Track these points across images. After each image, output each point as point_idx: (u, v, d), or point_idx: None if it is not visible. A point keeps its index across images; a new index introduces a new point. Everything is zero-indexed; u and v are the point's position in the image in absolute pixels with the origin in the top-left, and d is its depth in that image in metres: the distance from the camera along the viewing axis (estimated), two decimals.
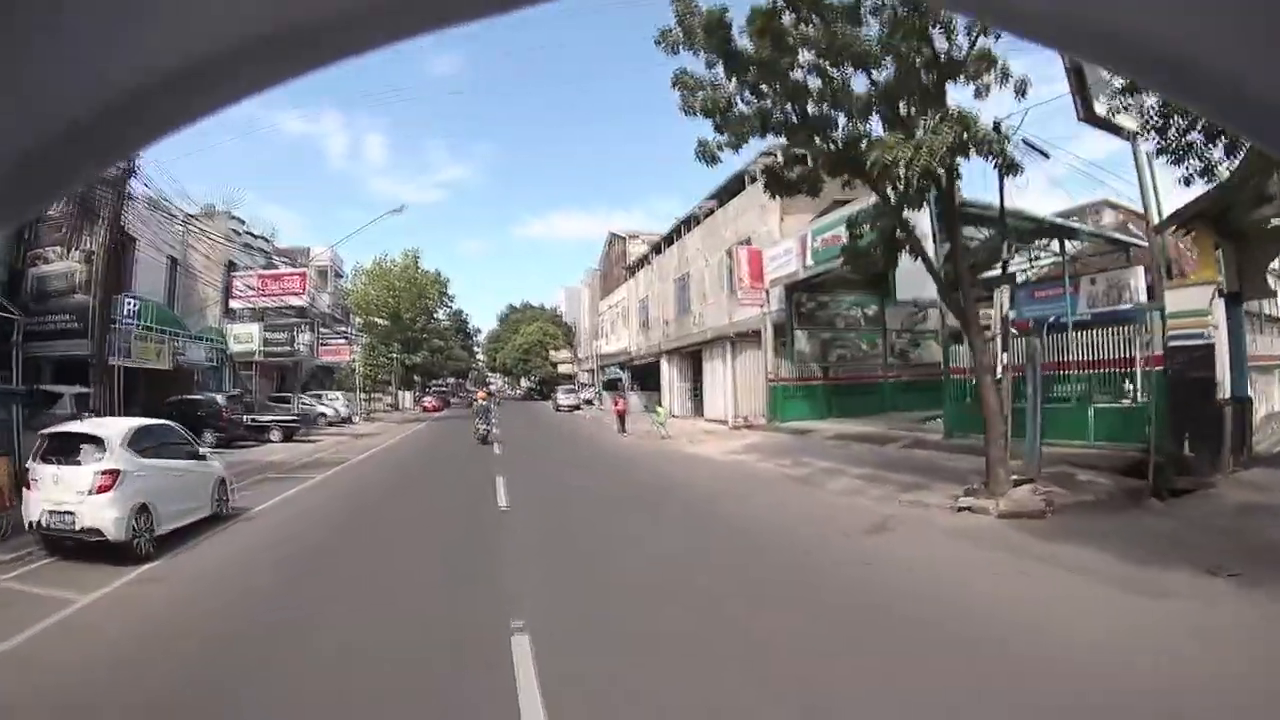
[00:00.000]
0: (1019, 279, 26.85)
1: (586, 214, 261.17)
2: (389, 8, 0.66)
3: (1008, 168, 15.38)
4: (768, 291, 34.08)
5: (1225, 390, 17.55)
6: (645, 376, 59.55)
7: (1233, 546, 11.24)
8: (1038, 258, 28.37)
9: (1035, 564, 11.04)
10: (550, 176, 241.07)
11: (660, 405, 40.37)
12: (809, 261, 30.64)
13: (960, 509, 14.74)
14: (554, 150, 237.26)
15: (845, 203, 27.38)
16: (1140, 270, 21.69)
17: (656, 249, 58.69)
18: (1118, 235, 28.29)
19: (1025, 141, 15.87)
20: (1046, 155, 17.41)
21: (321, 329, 51.59)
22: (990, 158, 14.84)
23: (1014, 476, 15.44)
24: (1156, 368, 18.33)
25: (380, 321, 61.94)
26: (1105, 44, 0.69)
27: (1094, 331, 20.76)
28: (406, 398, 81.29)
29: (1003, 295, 18.46)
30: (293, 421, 37.97)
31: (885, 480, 18.31)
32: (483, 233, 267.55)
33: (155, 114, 0.69)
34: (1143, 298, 20.73)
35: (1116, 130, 18.72)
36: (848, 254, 19.53)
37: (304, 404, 44.56)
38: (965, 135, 13.89)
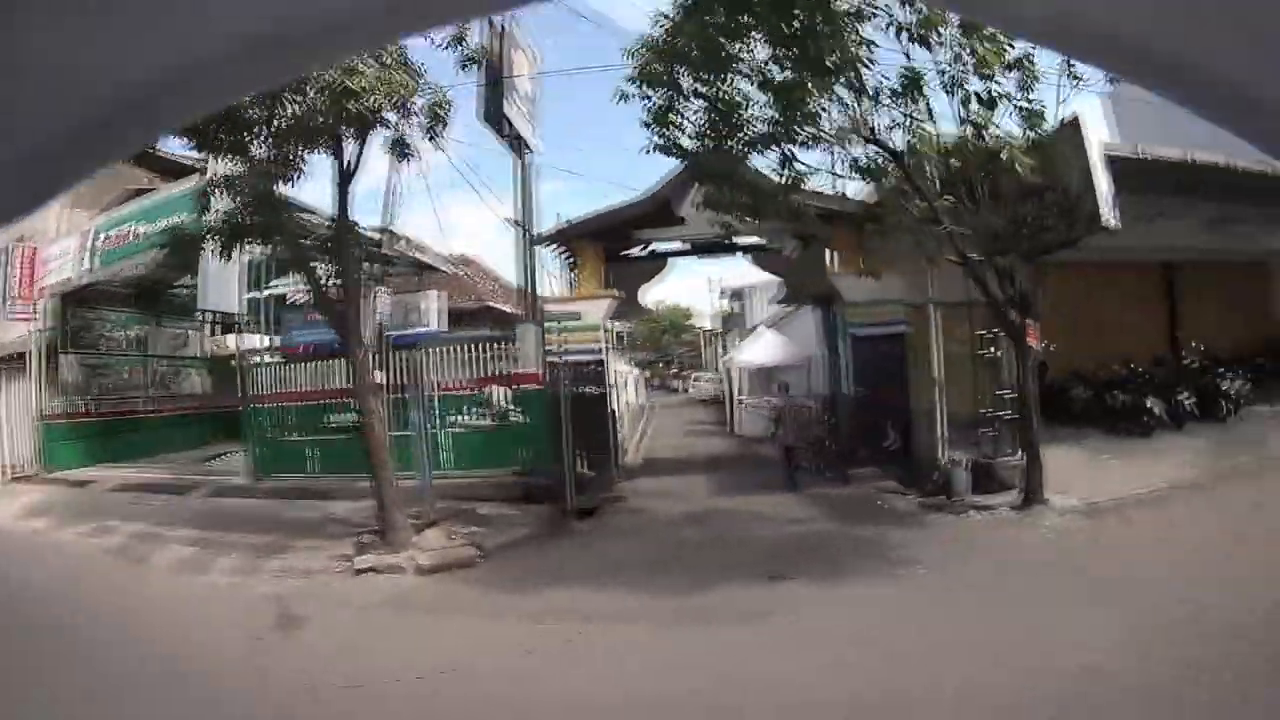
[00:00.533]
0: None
1: None
2: (379, 10, 0.66)
3: (400, 151, 13.36)
4: (38, 305, 26.80)
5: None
6: None
7: (705, 554, 11.83)
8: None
9: (501, 622, 9.65)
10: None
11: None
12: (88, 264, 25.14)
13: (360, 570, 11.89)
14: None
15: (144, 192, 24.02)
16: (434, 294, 22.36)
17: None
18: (434, 260, 27.19)
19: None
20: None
21: None
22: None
23: (410, 521, 13.25)
24: (534, 385, 17.52)
25: None
26: (1107, 47, 0.71)
27: (437, 352, 19.08)
28: None
29: (379, 302, 16.16)
30: None
31: (226, 545, 14.27)
32: None
33: (156, 112, 0.70)
34: (434, 321, 21.27)
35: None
36: (191, 239, 15.54)
37: None
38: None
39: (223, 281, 19.79)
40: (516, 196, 19.33)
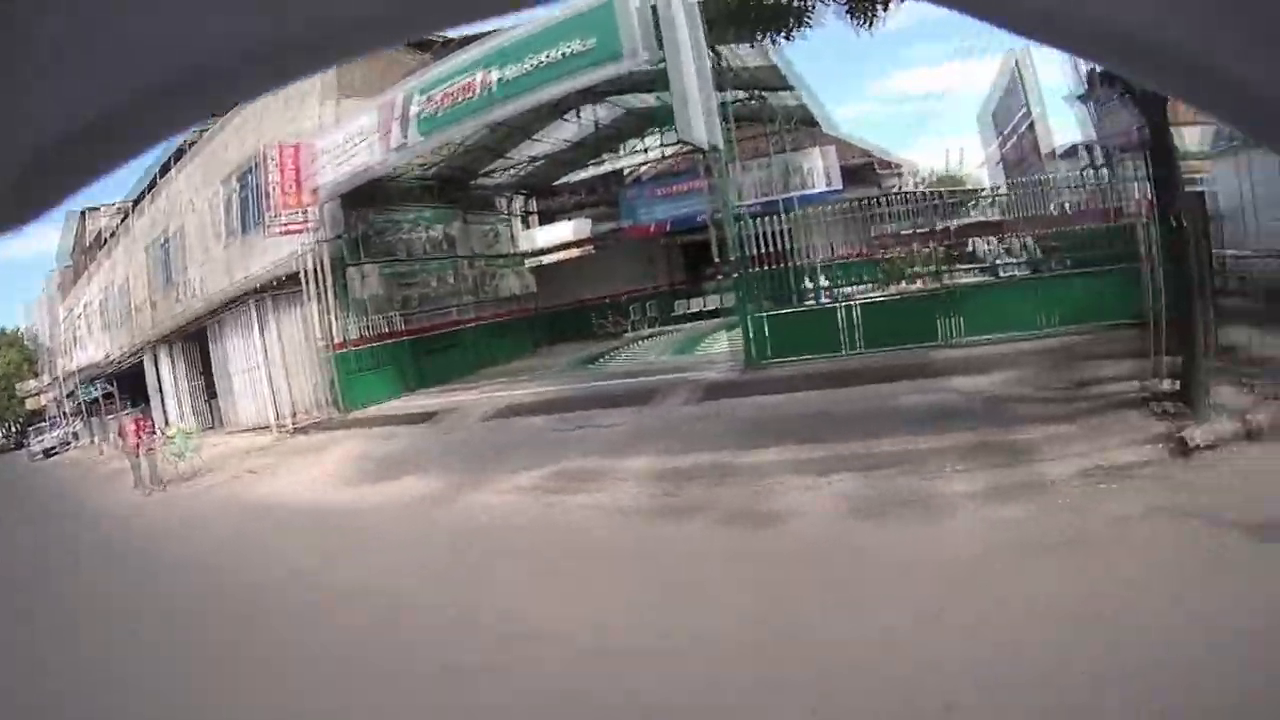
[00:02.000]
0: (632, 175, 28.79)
1: None
2: (391, 11, 0.65)
3: None
4: (308, 211, 21.87)
5: None
6: (133, 386, 44.20)
7: None
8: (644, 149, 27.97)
9: None
10: None
11: (178, 422, 25.35)
12: (412, 136, 19.01)
13: (1191, 449, 8.11)
14: None
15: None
16: (818, 152, 22.94)
17: (133, 211, 43.19)
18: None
19: None
20: None
21: None
22: None
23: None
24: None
25: None
26: (1107, 43, 0.69)
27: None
28: None
29: None
30: None
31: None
32: None
33: (159, 117, 0.69)
34: (823, 181, 22.01)
35: None
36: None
37: None
38: None
39: (700, 106, 14.85)
40: None
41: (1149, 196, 11.50)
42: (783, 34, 10.92)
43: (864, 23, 10.22)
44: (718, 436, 11.24)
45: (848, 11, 10.17)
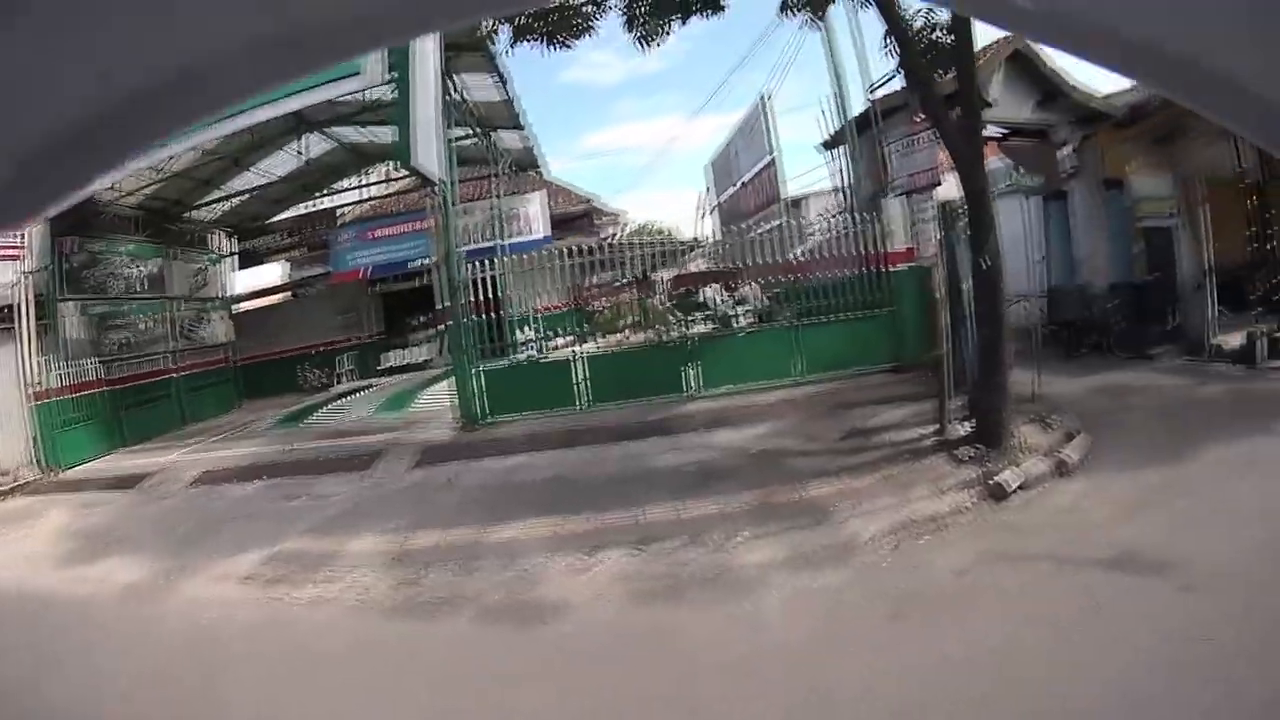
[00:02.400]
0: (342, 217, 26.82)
1: None
2: (388, 10, 0.66)
3: None
4: (23, 235, 18.26)
5: None
6: None
7: None
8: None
9: None
10: None
11: None
12: None
13: (1006, 493, 8.05)
14: None
15: None
16: (536, 197, 22.38)
17: None
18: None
19: None
20: None
21: None
22: None
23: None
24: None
25: None
26: (1106, 43, 0.69)
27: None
28: None
29: None
30: None
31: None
32: None
33: (158, 115, 0.70)
34: (540, 228, 21.84)
35: None
36: None
37: None
38: None
39: (434, 135, 13.88)
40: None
41: (937, 238, 11.55)
42: (560, 42, 10.48)
43: (648, 41, 9.92)
44: (452, 509, 9.79)
45: (627, 28, 9.82)
